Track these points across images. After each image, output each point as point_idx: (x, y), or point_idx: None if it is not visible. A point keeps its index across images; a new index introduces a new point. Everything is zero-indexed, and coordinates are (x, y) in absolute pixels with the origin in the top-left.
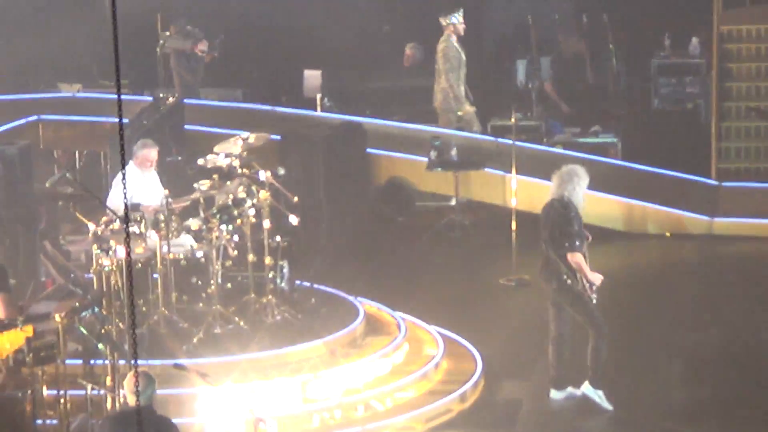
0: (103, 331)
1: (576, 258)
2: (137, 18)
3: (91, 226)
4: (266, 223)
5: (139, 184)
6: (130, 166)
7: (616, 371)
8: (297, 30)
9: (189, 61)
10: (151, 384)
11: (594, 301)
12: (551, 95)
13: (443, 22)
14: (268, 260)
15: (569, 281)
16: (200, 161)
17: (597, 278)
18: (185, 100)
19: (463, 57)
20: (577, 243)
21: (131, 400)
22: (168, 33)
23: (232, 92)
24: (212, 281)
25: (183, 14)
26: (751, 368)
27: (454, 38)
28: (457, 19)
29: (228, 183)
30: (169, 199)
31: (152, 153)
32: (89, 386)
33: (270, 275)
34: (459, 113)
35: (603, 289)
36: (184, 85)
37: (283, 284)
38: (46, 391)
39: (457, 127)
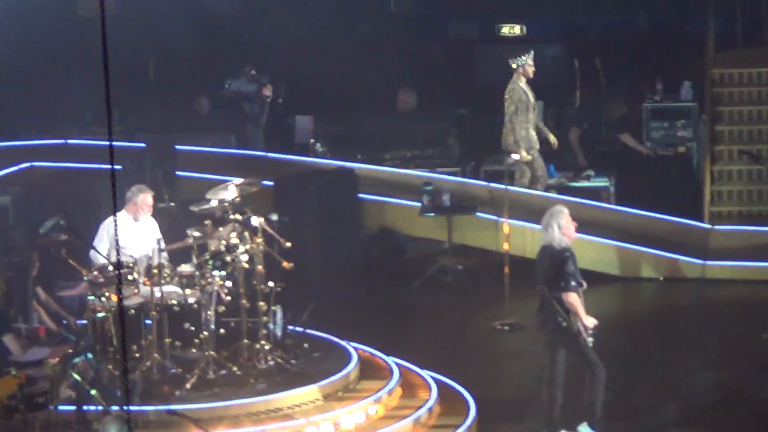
0: (96, 377)
1: (571, 298)
2: (130, 65)
3: (85, 273)
4: (259, 269)
5: (130, 231)
6: (122, 214)
7: (611, 413)
8: (288, 75)
9: (253, 105)
10: (122, 429)
11: (591, 343)
12: (572, 144)
13: (513, 64)
14: (261, 306)
15: (564, 323)
16: (193, 207)
17: (591, 322)
18: (176, 147)
19: (532, 99)
20: (573, 283)
21: None
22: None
23: (224, 138)
24: (205, 327)
25: (248, 61)
26: (746, 411)
27: (522, 80)
28: (526, 61)
29: (221, 229)
30: (162, 246)
31: (148, 198)
32: None
33: (263, 321)
34: (513, 155)
35: (599, 332)
36: (246, 129)
37: (276, 329)
38: None
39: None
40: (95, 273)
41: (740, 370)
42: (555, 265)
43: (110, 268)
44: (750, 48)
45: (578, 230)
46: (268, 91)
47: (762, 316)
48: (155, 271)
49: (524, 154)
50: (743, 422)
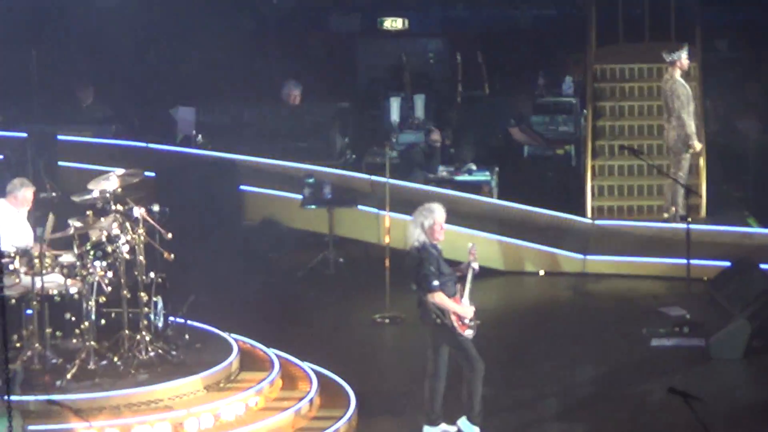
0: None
1: (435, 298)
2: (12, 53)
3: None
4: (140, 260)
5: (13, 221)
6: (3, 204)
7: (491, 407)
8: (171, 66)
9: (423, 153)
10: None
11: (471, 335)
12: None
13: (668, 58)
14: (142, 296)
15: (438, 320)
16: (74, 197)
17: (466, 311)
18: (58, 137)
19: (690, 92)
20: (435, 283)
21: None
22: None
23: (105, 128)
24: (86, 317)
25: None
26: (624, 405)
27: (678, 73)
28: (681, 55)
29: (102, 219)
30: (43, 235)
31: (29, 193)
32: None
33: (144, 311)
34: (690, 151)
35: (480, 327)
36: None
37: (157, 320)
38: None
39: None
40: None
41: (619, 365)
42: (416, 267)
43: None
44: (631, 44)
45: (460, 224)
46: (436, 136)
47: (640, 311)
48: (36, 260)
49: (697, 144)
50: (621, 416)
